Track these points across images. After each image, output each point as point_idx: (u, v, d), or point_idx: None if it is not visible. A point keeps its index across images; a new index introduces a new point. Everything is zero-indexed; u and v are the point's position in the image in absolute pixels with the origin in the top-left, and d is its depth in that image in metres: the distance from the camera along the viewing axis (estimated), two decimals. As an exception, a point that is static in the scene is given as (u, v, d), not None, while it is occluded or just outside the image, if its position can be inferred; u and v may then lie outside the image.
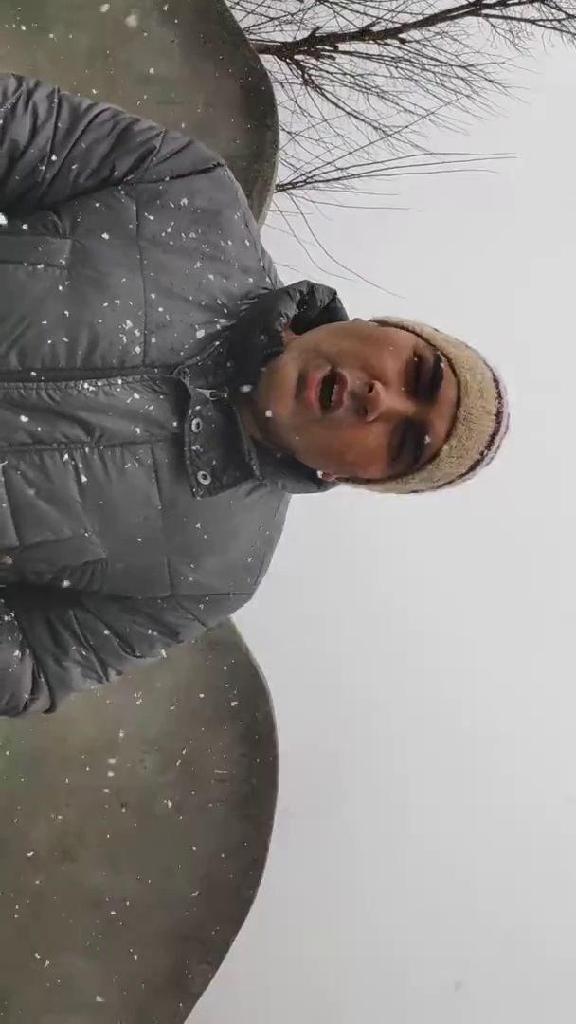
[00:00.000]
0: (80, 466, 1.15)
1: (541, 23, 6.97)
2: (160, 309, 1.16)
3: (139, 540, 1.20)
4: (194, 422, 1.16)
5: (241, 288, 1.23)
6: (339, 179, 6.42)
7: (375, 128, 6.64)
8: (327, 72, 6.85)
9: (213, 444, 1.19)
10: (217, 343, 1.19)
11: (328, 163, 6.43)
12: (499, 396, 1.21)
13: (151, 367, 1.15)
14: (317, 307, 1.27)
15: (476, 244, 6.56)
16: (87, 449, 1.14)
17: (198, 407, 1.16)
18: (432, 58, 6.91)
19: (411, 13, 6.82)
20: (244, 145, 2.99)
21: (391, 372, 1.15)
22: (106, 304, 1.13)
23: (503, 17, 6.98)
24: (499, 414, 1.21)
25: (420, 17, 6.82)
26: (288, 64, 6.70)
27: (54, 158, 1.18)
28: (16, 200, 1.21)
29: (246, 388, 1.19)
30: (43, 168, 1.18)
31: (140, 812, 3.22)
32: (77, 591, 1.27)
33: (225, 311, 1.21)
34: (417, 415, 1.15)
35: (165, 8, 2.94)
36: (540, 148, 6.35)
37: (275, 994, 5.47)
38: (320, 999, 5.67)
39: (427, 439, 1.16)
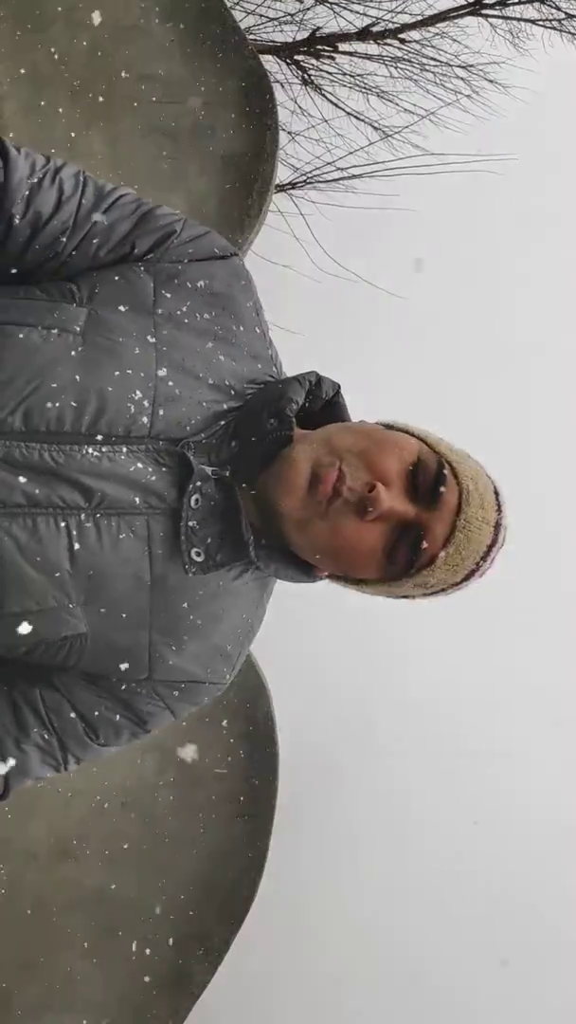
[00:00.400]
0: (74, 533, 1.13)
1: (541, 23, 6.96)
2: (170, 383, 1.17)
3: (124, 615, 1.18)
4: (194, 497, 1.17)
5: (249, 373, 1.25)
6: (339, 179, 6.42)
7: (375, 128, 6.64)
8: (327, 72, 6.84)
9: (210, 522, 1.19)
10: (223, 422, 1.20)
11: (328, 163, 6.43)
12: (499, 508, 1.22)
13: (156, 438, 1.15)
14: (322, 399, 1.28)
15: (476, 244, 6.56)
16: (83, 516, 1.13)
17: (199, 483, 1.17)
18: (432, 58, 6.90)
19: (411, 13, 6.81)
20: (244, 144, 3.00)
21: (394, 473, 1.16)
22: (117, 372, 1.14)
23: (503, 17, 6.97)
24: (497, 525, 1.21)
25: (420, 17, 6.81)
26: (288, 64, 6.70)
27: (76, 231, 1.19)
28: (34, 268, 1.22)
29: (253, 475, 1.19)
30: (64, 240, 1.19)
31: (140, 811, 3.22)
32: (48, 668, 1.24)
33: (232, 392, 1.22)
34: (417, 519, 1.16)
35: (165, 8, 2.94)
36: (540, 148, 6.35)
37: (275, 993, 5.47)
38: (320, 998, 5.67)
39: (424, 544, 1.16)
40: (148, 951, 3.22)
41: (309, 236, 5.83)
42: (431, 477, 1.17)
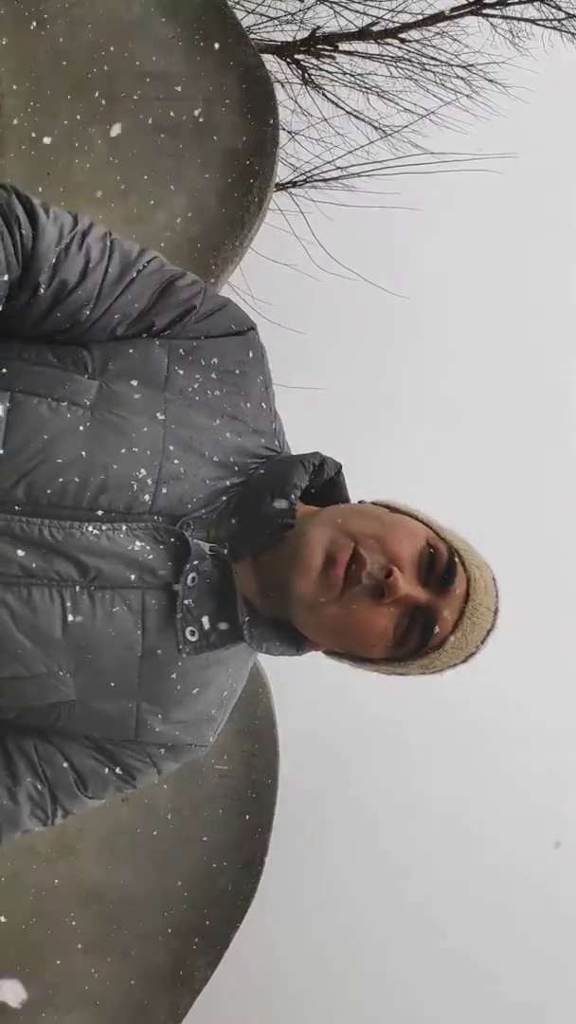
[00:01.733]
0: (68, 604, 1.15)
1: (541, 23, 6.97)
2: (176, 461, 1.17)
3: (112, 684, 1.20)
4: (190, 576, 1.17)
5: (252, 447, 1.25)
6: (339, 178, 6.43)
7: (375, 128, 6.65)
8: (327, 72, 6.85)
9: (205, 600, 1.19)
10: (224, 499, 1.21)
11: (328, 162, 6.43)
12: (496, 594, 1.27)
13: (156, 516, 1.16)
14: (323, 478, 1.30)
15: (476, 244, 6.56)
16: (77, 588, 1.15)
17: (196, 561, 1.17)
18: (432, 58, 6.91)
19: (411, 13, 6.82)
20: (244, 142, 3.00)
21: (407, 558, 1.18)
22: (124, 450, 1.15)
23: (503, 17, 6.98)
24: (496, 611, 1.26)
25: (420, 17, 6.82)
26: (288, 64, 6.70)
27: (100, 304, 1.19)
28: (52, 334, 1.21)
29: (253, 553, 1.21)
30: (88, 312, 1.18)
31: (140, 808, 3.22)
32: (39, 727, 1.26)
33: (236, 468, 1.23)
34: (429, 604, 1.19)
35: (166, 5, 2.94)
36: (540, 148, 6.35)
37: (275, 991, 5.48)
38: (320, 996, 5.67)
39: (436, 629, 1.19)
40: (148, 948, 3.22)
41: (309, 235, 5.84)
42: (443, 564, 1.20)
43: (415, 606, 1.18)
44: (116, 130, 2.92)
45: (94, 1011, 3.16)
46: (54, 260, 1.15)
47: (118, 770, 1.28)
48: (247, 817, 3.33)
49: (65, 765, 1.26)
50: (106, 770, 1.28)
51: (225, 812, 3.30)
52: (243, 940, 3.34)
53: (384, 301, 5.72)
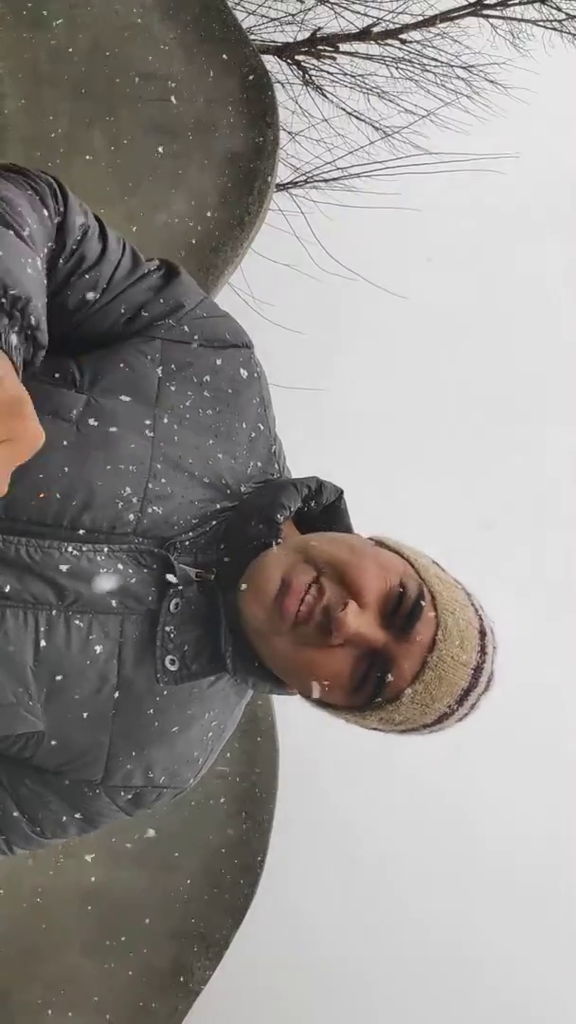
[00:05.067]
0: (42, 629, 1.08)
1: (541, 24, 6.97)
2: (163, 480, 1.11)
3: (84, 716, 1.12)
4: (173, 602, 1.10)
5: (248, 471, 1.19)
6: (339, 179, 6.43)
7: (375, 128, 6.65)
8: (328, 72, 6.85)
9: (188, 628, 1.12)
10: (214, 523, 1.14)
11: (328, 163, 6.43)
12: (482, 650, 1.11)
13: (141, 537, 1.10)
14: (322, 504, 1.22)
15: (476, 244, 6.57)
16: (53, 612, 1.08)
17: (180, 587, 1.10)
18: (432, 58, 6.91)
19: (411, 14, 6.82)
20: (245, 143, 3.00)
21: (371, 594, 1.07)
22: (109, 466, 1.08)
23: (503, 18, 6.98)
24: (478, 669, 1.10)
25: (420, 18, 6.82)
26: (289, 64, 6.71)
27: (109, 291, 1.15)
28: (57, 318, 1.14)
29: (243, 587, 1.11)
30: (98, 296, 1.14)
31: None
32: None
33: (228, 492, 1.16)
34: (386, 648, 1.07)
35: (167, 7, 2.94)
36: (540, 149, 6.36)
37: (275, 991, 5.47)
38: (320, 996, 5.67)
39: (389, 677, 1.07)
40: (148, 949, 3.23)
41: (310, 235, 5.84)
42: (408, 606, 1.07)
43: (372, 650, 1.07)
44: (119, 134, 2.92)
45: (94, 1012, 3.17)
46: (79, 237, 1.11)
47: (78, 816, 1.20)
48: (247, 817, 3.34)
49: (16, 814, 1.19)
50: (64, 817, 1.20)
51: (225, 812, 3.30)
52: (243, 940, 3.34)
53: (384, 301, 5.72)
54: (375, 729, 1.17)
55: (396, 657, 1.07)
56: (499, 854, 5.99)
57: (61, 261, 1.10)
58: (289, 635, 1.07)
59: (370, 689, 1.08)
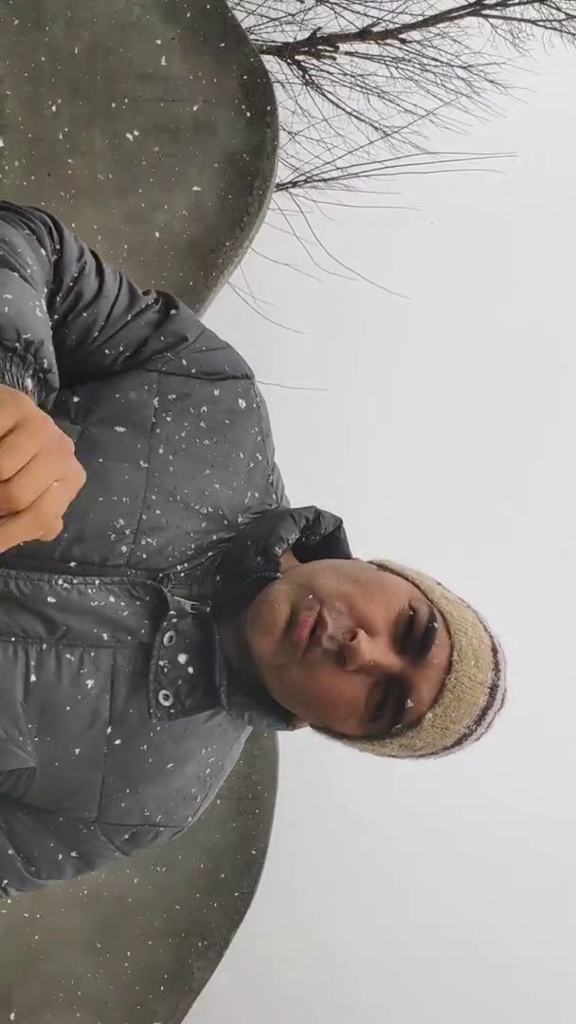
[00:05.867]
0: (32, 663, 1.06)
1: (541, 23, 6.98)
2: (157, 511, 1.09)
3: (76, 752, 1.10)
4: (167, 635, 1.08)
5: (245, 501, 1.17)
6: (339, 179, 6.43)
7: (375, 128, 6.65)
8: (327, 72, 6.86)
9: (183, 662, 1.09)
10: (210, 554, 1.12)
11: (328, 163, 6.44)
12: (496, 668, 1.10)
13: (134, 568, 1.08)
14: (321, 534, 1.20)
15: (476, 244, 6.57)
16: (44, 646, 1.06)
17: (175, 619, 1.08)
18: (432, 58, 6.92)
19: (411, 14, 6.83)
20: (244, 142, 3.00)
21: (380, 621, 1.05)
22: (102, 498, 1.07)
23: (503, 17, 6.99)
24: (494, 687, 1.09)
25: (420, 17, 6.83)
26: (289, 64, 6.71)
27: (108, 328, 1.13)
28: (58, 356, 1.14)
29: (235, 612, 1.10)
30: (96, 334, 1.13)
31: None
32: None
33: (225, 523, 1.14)
34: (403, 674, 1.05)
35: (166, 7, 2.95)
36: (540, 148, 6.36)
37: (274, 991, 5.48)
38: (319, 995, 5.67)
39: (409, 703, 1.05)
40: (148, 948, 3.23)
41: (310, 235, 5.84)
42: (421, 629, 1.05)
43: (388, 676, 1.05)
44: (130, 135, 2.93)
45: (94, 1011, 3.17)
46: (76, 274, 1.10)
47: (74, 855, 1.18)
48: (247, 817, 3.34)
49: (11, 852, 1.17)
50: (60, 856, 1.18)
51: (225, 811, 3.30)
52: (243, 940, 3.34)
53: (384, 301, 5.72)
54: (391, 756, 1.15)
55: (414, 682, 1.05)
56: (502, 847, 6.00)
57: (58, 299, 1.09)
58: (301, 663, 1.05)
59: (389, 716, 1.06)
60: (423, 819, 5.93)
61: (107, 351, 1.15)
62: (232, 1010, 4.74)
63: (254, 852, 3.34)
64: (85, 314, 1.12)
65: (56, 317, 1.10)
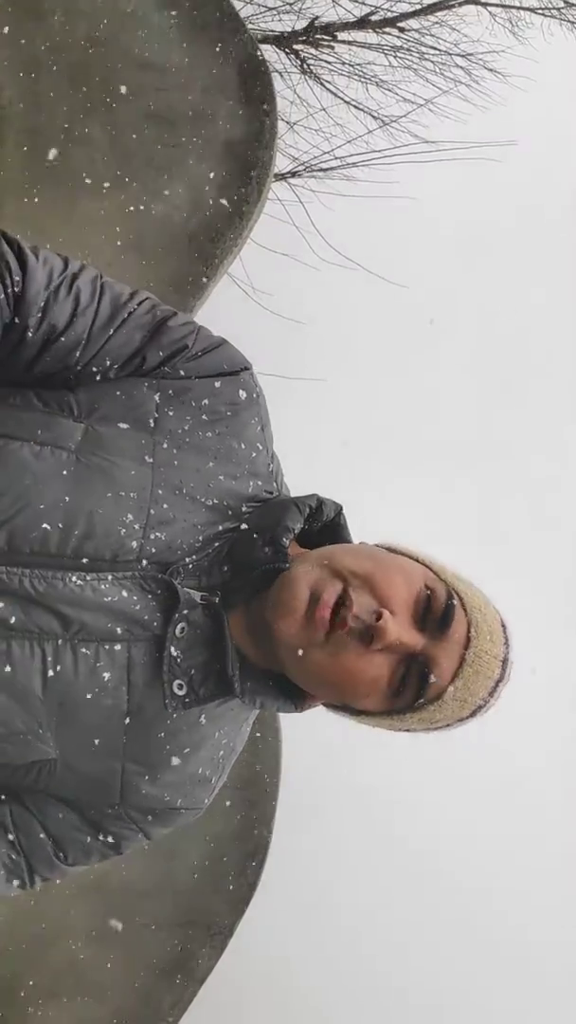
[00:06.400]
0: (49, 659, 1.09)
1: (540, 11, 6.94)
2: (165, 506, 1.12)
3: (96, 743, 1.13)
4: (179, 626, 1.11)
5: (247, 490, 1.19)
6: (338, 168, 6.41)
7: (374, 117, 6.63)
8: (326, 61, 6.83)
9: (195, 652, 1.12)
10: (216, 544, 1.15)
11: (327, 152, 6.42)
12: (506, 642, 1.16)
13: (145, 563, 1.10)
14: (322, 521, 1.23)
15: (476, 233, 6.56)
16: (60, 642, 1.09)
17: (186, 611, 1.11)
18: (431, 47, 6.89)
19: (409, 2, 6.80)
20: (243, 132, 2.99)
21: (400, 601, 1.10)
22: (110, 494, 1.10)
23: (502, 6, 6.95)
24: (505, 660, 1.15)
25: (419, 6, 6.80)
26: (287, 54, 6.68)
27: (90, 347, 1.14)
28: (43, 378, 1.17)
29: (245, 601, 1.14)
30: (78, 354, 1.14)
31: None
32: (18, 788, 1.20)
33: (230, 513, 1.17)
34: (425, 651, 1.10)
35: (163, -5, 2.94)
36: (539, 136, 6.35)
37: (279, 980, 5.50)
38: (324, 984, 5.69)
39: (432, 678, 1.10)
40: (152, 937, 3.24)
41: (309, 225, 5.83)
42: (440, 607, 1.11)
43: (410, 653, 1.10)
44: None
45: (99, 1001, 3.18)
46: (43, 304, 1.11)
47: (101, 837, 1.21)
48: (251, 806, 3.35)
49: (43, 836, 1.20)
50: (88, 839, 1.21)
51: (229, 801, 3.31)
52: (247, 929, 3.35)
53: (384, 291, 5.72)
54: (406, 731, 1.20)
55: (436, 658, 1.10)
56: (509, 836, 6.01)
57: (30, 333, 1.11)
58: (324, 645, 1.08)
59: (412, 692, 1.11)
60: (429, 807, 5.94)
61: (94, 368, 1.16)
62: (237, 998, 4.76)
63: (258, 840, 3.35)
64: (63, 339, 1.13)
65: (33, 349, 1.13)
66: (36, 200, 2.87)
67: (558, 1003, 5.76)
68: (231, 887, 3.33)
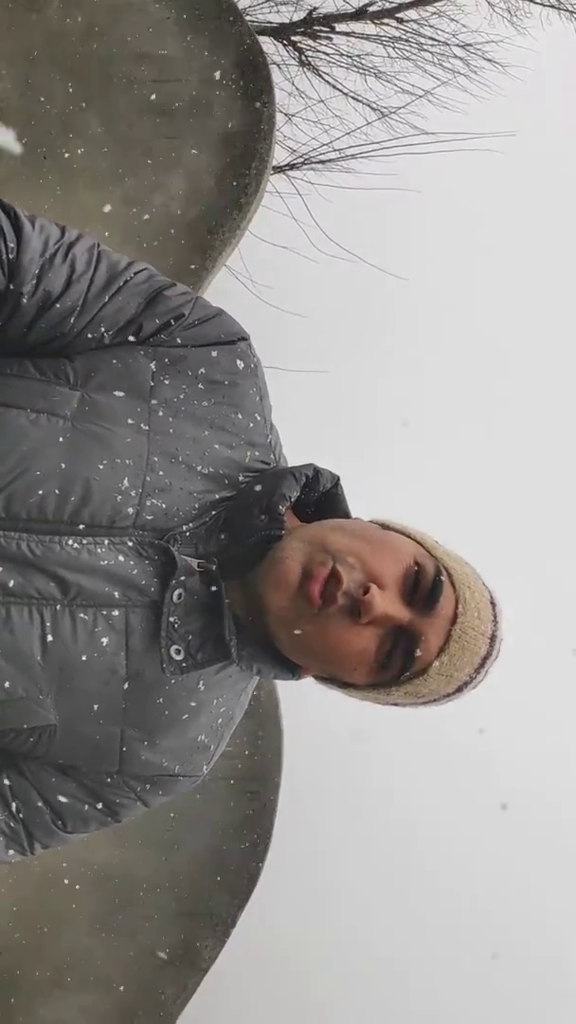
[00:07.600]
0: (48, 624, 1.10)
1: (539, 2, 6.94)
2: (161, 472, 1.13)
3: (95, 708, 1.14)
4: (176, 592, 1.12)
5: (244, 460, 1.20)
6: (337, 160, 6.41)
7: (373, 109, 6.63)
8: (324, 53, 6.82)
9: (193, 618, 1.14)
10: (213, 513, 1.16)
11: (326, 144, 6.41)
12: (494, 619, 1.17)
13: (141, 530, 1.12)
14: (319, 491, 1.24)
15: (475, 223, 6.55)
16: (58, 607, 1.10)
17: (183, 577, 1.12)
18: (430, 38, 6.89)
19: (408, -7, 6.80)
20: (241, 123, 2.99)
21: (389, 576, 1.11)
22: (106, 461, 1.10)
23: (501, -5, 6.95)
24: (493, 637, 1.16)
25: (417, -4, 6.80)
26: (285, 45, 6.68)
27: (85, 314, 1.15)
28: (37, 346, 1.17)
29: (242, 569, 1.15)
30: (72, 321, 1.15)
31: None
32: (16, 754, 1.20)
33: (226, 481, 1.18)
34: (411, 625, 1.11)
35: (160, -14, 2.93)
36: (538, 127, 6.33)
37: (281, 969, 5.51)
38: (327, 974, 5.71)
39: (418, 652, 1.11)
40: (155, 927, 3.25)
41: (308, 217, 5.83)
42: (428, 583, 1.12)
43: (397, 627, 1.11)
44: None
45: (102, 990, 3.19)
46: (37, 271, 1.11)
47: (99, 806, 1.22)
48: (253, 796, 3.36)
49: (40, 804, 1.21)
50: (86, 807, 1.22)
51: (231, 792, 3.32)
52: (250, 919, 3.36)
53: (384, 283, 5.71)
54: (394, 704, 1.21)
55: (423, 632, 1.11)
56: (511, 825, 6.02)
57: (24, 300, 1.11)
58: (314, 619, 1.10)
59: (398, 665, 1.12)
60: (431, 799, 5.95)
61: (89, 335, 1.17)
62: (240, 988, 4.78)
63: (260, 831, 3.36)
64: (58, 305, 1.13)
65: (28, 315, 1.13)
66: (34, 191, 2.87)
67: (558, 1001, 5.78)
68: (234, 877, 3.34)
